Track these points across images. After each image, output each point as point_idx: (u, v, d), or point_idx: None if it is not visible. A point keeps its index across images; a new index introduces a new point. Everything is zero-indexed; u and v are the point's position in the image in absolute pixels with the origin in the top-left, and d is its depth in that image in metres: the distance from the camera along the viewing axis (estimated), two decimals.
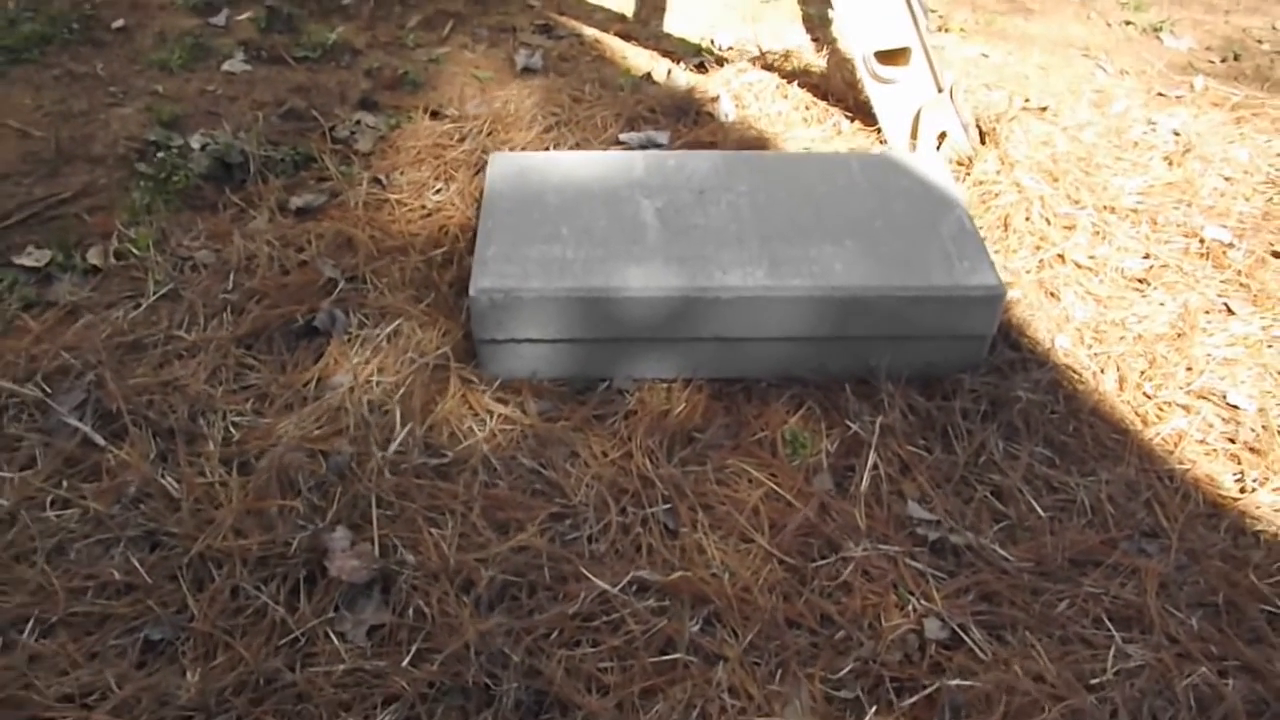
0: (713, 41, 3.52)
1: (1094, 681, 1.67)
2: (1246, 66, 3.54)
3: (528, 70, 3.28)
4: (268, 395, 2.10)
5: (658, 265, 2.12)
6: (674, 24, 3.67)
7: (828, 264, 2.13)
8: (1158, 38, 3.71)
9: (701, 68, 3.32)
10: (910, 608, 1.79)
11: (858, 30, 2.82)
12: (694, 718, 1.62)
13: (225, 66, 3.19)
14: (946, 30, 3.67)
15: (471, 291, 2.06)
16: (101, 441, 2.00)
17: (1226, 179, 2.81)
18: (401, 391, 2.08)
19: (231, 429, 2.03)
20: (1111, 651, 1.72)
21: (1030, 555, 1.89)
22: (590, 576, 1.79)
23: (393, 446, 1.98)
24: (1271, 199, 2.76)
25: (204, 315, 2.27)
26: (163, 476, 1.93)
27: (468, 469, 1.96)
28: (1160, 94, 3.31)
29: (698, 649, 1.72)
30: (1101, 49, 3.61)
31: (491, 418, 2.07)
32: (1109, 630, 1.77)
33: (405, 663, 1.66)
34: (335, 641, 1.69)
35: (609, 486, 1.96)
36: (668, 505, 1.94)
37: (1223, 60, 3.58)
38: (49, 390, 2.08)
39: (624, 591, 1.78)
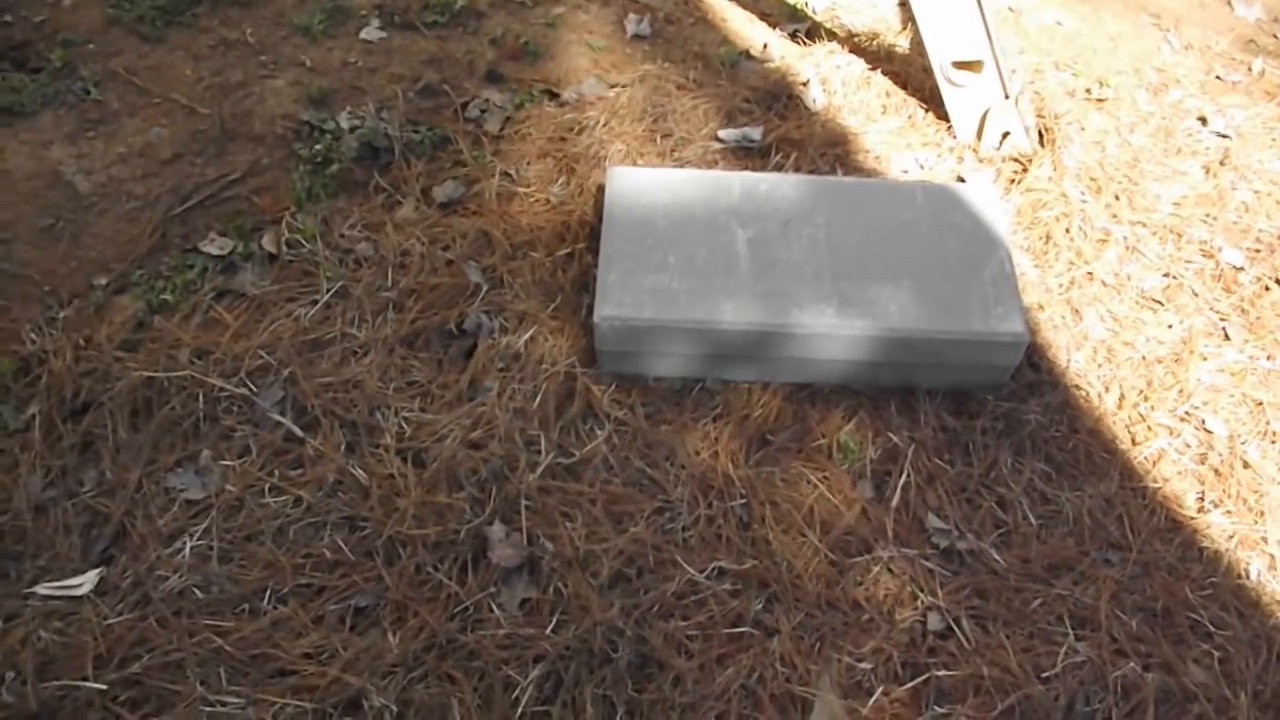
0: (806, 3, 4.11)
1: (1045, 675, 2.46)
2: None
3: (637, 37, 3.92)
4: (430, 394, 2.85)
5: (746, 300, 2.86)
6: None
7: (885, 305, 2.86)
8: (1229, 4, 4.23)
9: (795, 37, 3.94)
10: (919, 601, 2.57)
11: (938, 42, 3.44)
12: (754, 680, 2.41)
13: (363, 34, 3.84)
14: None
15: (596, 318, 2.81)
16: (300, 434, 2.72)
17: (1255, 192, 3.44)
18: (539, 398, 2.86)
19: (404, 424, 2.77)
20: (1064, 647, 2.49)
21: (1018, 559, 2.64)
22: (683, 564, 2.58)
23: (537, 455, 2.74)
24: None
25: (370, 314, 2.99)
26: (353, 468, 2.68)
27: (590, 468, 2.74)
28: (1218, 78, 3.89)
29: (760, 624, 2.49)
30: (1173, 17, 4.16)
31: (609, 420, 2.85)
32: (1066, 628, 2.53)
33: (549, 630, 2.43)
34: (496, 612, 2.45)
35: (699, 484, 2.73)
36: (744, 501, 2.72)
37: None
38: (254, 388, 2.82)
39: (708, 577, 2.57)
